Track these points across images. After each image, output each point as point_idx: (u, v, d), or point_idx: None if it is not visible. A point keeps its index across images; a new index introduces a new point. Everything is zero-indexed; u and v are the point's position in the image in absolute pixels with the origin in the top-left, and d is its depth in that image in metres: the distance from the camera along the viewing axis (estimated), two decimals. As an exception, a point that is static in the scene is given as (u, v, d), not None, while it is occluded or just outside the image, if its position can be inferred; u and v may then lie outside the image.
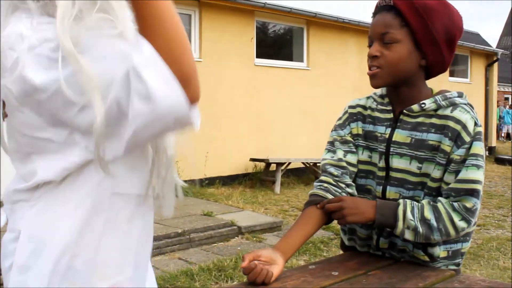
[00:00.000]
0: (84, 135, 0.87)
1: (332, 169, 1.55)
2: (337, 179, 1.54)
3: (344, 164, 1.55)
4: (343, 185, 1.53)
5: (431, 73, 1.48)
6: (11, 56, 0.87)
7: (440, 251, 1.44)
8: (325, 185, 1.54)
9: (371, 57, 1.44)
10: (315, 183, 1.59)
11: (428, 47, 1.41)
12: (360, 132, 1.57)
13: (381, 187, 1.50)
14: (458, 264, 1.49)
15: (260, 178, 8.57)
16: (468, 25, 47.73)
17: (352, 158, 1.56)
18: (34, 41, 0.86)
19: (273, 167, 8.48)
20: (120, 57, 0.80)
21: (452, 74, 13.63)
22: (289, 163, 8.44)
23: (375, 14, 1.48)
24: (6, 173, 1.13)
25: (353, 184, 1.55)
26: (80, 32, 0.83)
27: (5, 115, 0.98)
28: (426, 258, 1.46)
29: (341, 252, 1.73)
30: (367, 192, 1.54)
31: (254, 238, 5.21)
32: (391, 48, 1.41)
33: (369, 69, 1.45)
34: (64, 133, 0.88)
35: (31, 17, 0.92)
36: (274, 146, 9.07)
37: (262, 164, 8.70)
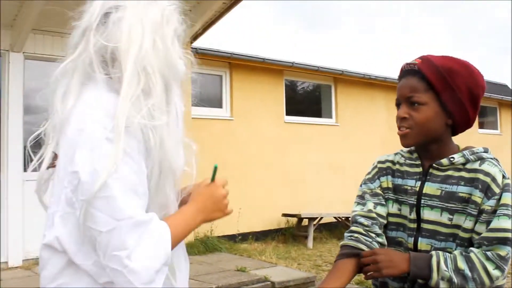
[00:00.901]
0: None
1: (362, 220, 1.57)
2: (367, 229, 1.56)
3: (374, 215, 1.57)
4: (373, 235, 1.55)
5: (457, 130, 1.53)
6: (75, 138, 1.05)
7: None
8: (356, 235, 1.56)
9: (400, 119, 1.50)
10: (345, 234, 1.60)
11: (453, 108, 1.46)
12: (390, 185, 1.61)
13: (412, 238, 1.51)
14: None
15: (292, 233, 8.52)
16: (496, 77, 47.39)
17: (381, 210, 1.59)
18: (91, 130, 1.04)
19: (305, 222, 8.43)
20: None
21: (481, 126, 13.50)
22: (321, 217, 8.40)
23: (400, 77, 1.54)
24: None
25: (383, 234, 1.57)
26: (135, 118, 1.04)
27: (52, 165, 1.14)
28: None
29: None
30: (398, 245, 1.55)
31: None
32: (418, 110, 1.47)
33: (399, 129, 1.51)
34: None
35: (97, 92, 1.10)
36: (306, 201, 9.03)
37: (295, 219, 8.65)
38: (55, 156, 1.13)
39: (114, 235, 0.98)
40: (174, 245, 1.09)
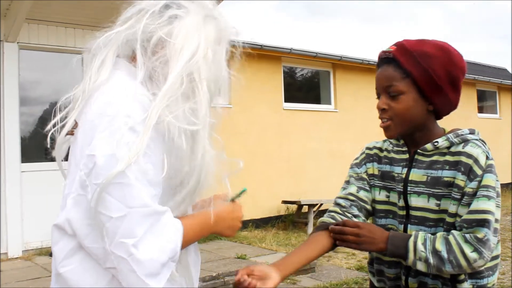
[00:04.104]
0: None
1: (340, 201, 1.60)
2: (344, 209, 1.58)
3: (353, 197, 1.59)
4: (349, 215, 1.57)
5: (440, 114, 1.51)
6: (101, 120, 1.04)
7: (468, 287, 1.44)
8: (332, 213, 1.58)
9: (380, 110, 1.48)
10: (324, 215, 1.62)
11: (432, 94, 1.44)
12: (376, 172, 1.62)
13: (402, 225, 1.52)
14: None
15: (292, 220, 8.52)
16: (496, 61, 47.35)
17: (364, 195, 1.60)
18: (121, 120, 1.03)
19: (305, 209, 8.43)
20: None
21: (481, 111, 13.49)
22: (321, 204, 8.39)
23: (378, 66, 1.52)
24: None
25: (361, 215, 1.58)
26: (167, 118, 1.05)
27: (70, 133, 1.14)
28: None
29: None
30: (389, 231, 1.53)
31: (288, 280, 5.13)
32: (397, 100, 1.45)
33: (381, 121, 1.49)
34: None
35: (128, 78, 1.11)
36: (305, 188, 9.02)
37: (295, 206, 8.65)
38: (75, 125, 1.13)
39: (124, 222, 0.98)
40: (184, 246, 1.09)
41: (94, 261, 1.06)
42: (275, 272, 1.34)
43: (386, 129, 1.50)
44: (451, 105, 1.49)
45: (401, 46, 1.46)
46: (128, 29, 1.14)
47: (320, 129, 9.42)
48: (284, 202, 8.52)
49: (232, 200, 1.29)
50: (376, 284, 1.65)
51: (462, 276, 1.43)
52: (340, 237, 1.48)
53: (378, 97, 1.50)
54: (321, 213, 8.73)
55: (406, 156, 1.54)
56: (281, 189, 8.70)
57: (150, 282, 0.99)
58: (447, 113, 1.51)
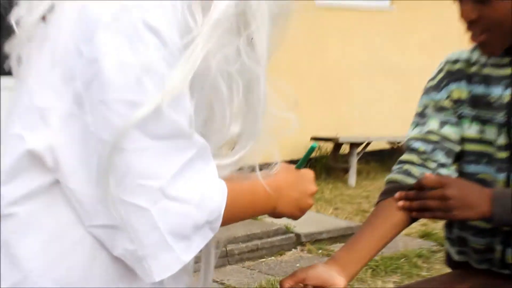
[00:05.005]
0: None
1: (418, 144, 1.63)
2: (424, 156, 1.60)
3: (437, 137, 1.62)
4: (433, 165, 1.59)
5: None
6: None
7: None
8: (406, 166, 1.61)
9: (468, 23, 1.51)
10: (393, 167, 1.66)
11: None
12: (465, 96, 1.64)
13: (504, 174, 1.56)
14: None
15: (326, 164, 8.46)
16: None
17: (451, 131, 1.63)
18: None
19: (345, 149, 8.26)
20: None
21: None
22: (369, 143, 8.28)
23: None
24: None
25: (450, 164, 1.61)
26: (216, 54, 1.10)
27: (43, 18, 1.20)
28: None
29: (448, 270, 1.81)
30: (481, 184, 1.55)
31: (320, 251, 5.19)
32: (490, 4, 1.46)
33: (472, 37, 1.53)
34: None
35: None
36: (346, 119, 8.86)
37: (330, 145, 8.43)
38: (52, 7, 1.14)
39: (146, 156, 1.00)
40: (226, 219, 1.11)
41: (74, 213, 1.07)
42: (338, 276, 1.37)
43: (483, 45, 1.55)
44: None
45: None
46: None
47: (369, 35, 9.22)
48: (315, 138, 8.25)
49: (299, 166, 1.33)
50: (455, 257, 1.71)
51: None
52: (417, 205, 1.50)
53: (459, 1, 1.53)
54: (368, 156, 8.75)
55: (509, 71, 1.57)
56: (311, 119, 8.33)
57: (177, 246, 1.02)
58: None
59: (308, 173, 1.35)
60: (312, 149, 1.36)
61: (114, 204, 1.02)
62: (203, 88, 1.12)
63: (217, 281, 4.45)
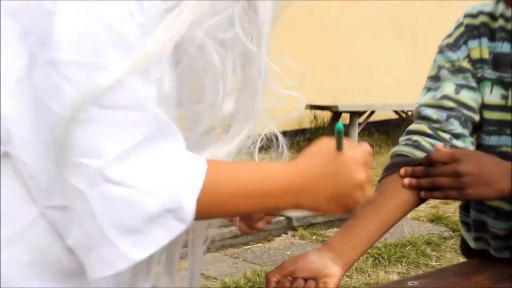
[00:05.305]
0: None
1: (429, 111, 1.63)
2: (437, 125, 1.61)
3: (452, 104, 1.62)
4: (447, 135, 1.60)
5: None
6: None
7: None
8: (415, 137, 1.63)
9: None
10: (400, 139, 1.69)
11: None
12: (486, 55, 1.65)
13: None
14: None
15: (324, 136, 8.29)
16: None
17: (469, 96, 1.64)
18: None
19: (345, 118, 8.29)
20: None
21: None
22: (372, 112, 8.38)
23: None
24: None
25: (468, 133, 1.62)
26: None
27: None
28: None
29: (463, 259, 1.92)
30: (503, 157, 1.56)
31: (314, 237, 5.24)
32: None
33: None
34: None
35: None
36: (347, 84, 8.90)
37: (328, 114, 8.61)
38: None
39: (88, 129, 0.98)
40: (210, 210, 1.11)
41: (27, 191, 1.05)
42: (332, 264, 1.36)
43: None
44: None
45: None
46: None
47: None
48: (312, 107, 8.28)
49: (339, 147, 1.20)
50: (472, 244, 1.75)
51: None
52: (426, 183, 1.51)
53: None
54: (371, 126, 8.77)
55: None
56: (307, 85, 8.14)
57: (120, 241, 0.98)
58: None
59: (354, 155, 1.20)
60: (339, 130, 1.21)
61: (63, 185, 1.02)
62: (191, 59, 1.11)
63: (195, 271, 4.50)
